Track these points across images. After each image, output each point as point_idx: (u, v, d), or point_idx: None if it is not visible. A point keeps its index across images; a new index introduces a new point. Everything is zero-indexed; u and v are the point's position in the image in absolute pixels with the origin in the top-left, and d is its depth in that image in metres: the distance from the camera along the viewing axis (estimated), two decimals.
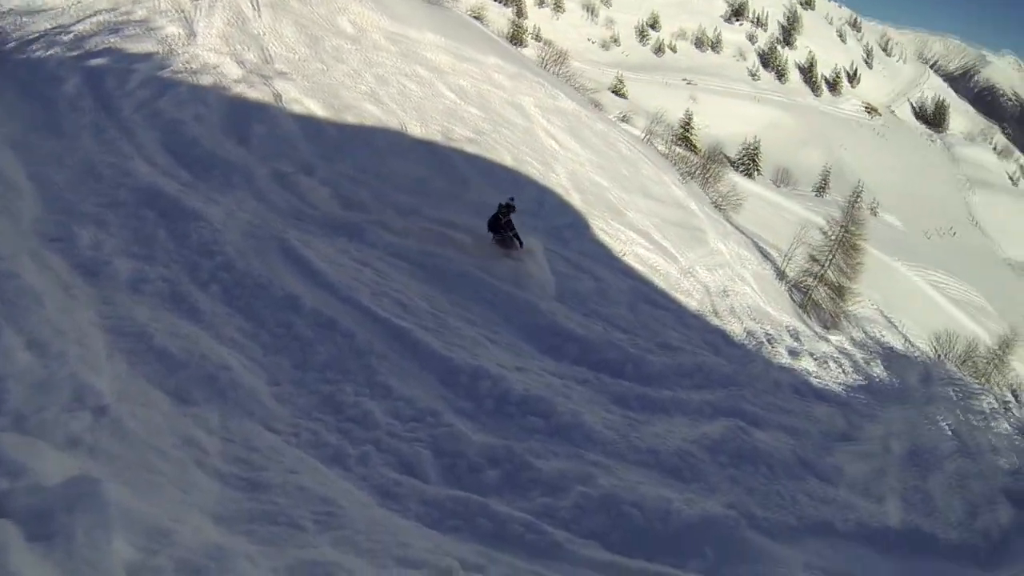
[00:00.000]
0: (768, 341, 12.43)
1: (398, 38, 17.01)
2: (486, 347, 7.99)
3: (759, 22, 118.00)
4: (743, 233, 23.82)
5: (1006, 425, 9.71)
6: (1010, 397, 14.10)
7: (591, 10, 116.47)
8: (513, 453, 5.99)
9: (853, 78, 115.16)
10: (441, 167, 12.27)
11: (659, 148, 32.89)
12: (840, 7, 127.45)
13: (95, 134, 9.10)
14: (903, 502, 6.77)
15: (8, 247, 5.78)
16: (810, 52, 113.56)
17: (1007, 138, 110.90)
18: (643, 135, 34.98)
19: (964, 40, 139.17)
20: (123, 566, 2.69)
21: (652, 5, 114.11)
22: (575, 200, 15.35)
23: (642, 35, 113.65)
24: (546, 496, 5.59)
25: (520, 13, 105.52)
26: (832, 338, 14.68)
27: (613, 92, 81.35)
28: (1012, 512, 6.87)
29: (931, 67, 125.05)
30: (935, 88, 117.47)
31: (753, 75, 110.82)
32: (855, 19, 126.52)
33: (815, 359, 11.67)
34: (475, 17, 39.53)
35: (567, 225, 13.59)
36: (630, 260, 14.41)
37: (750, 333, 12.77)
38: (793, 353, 11.81)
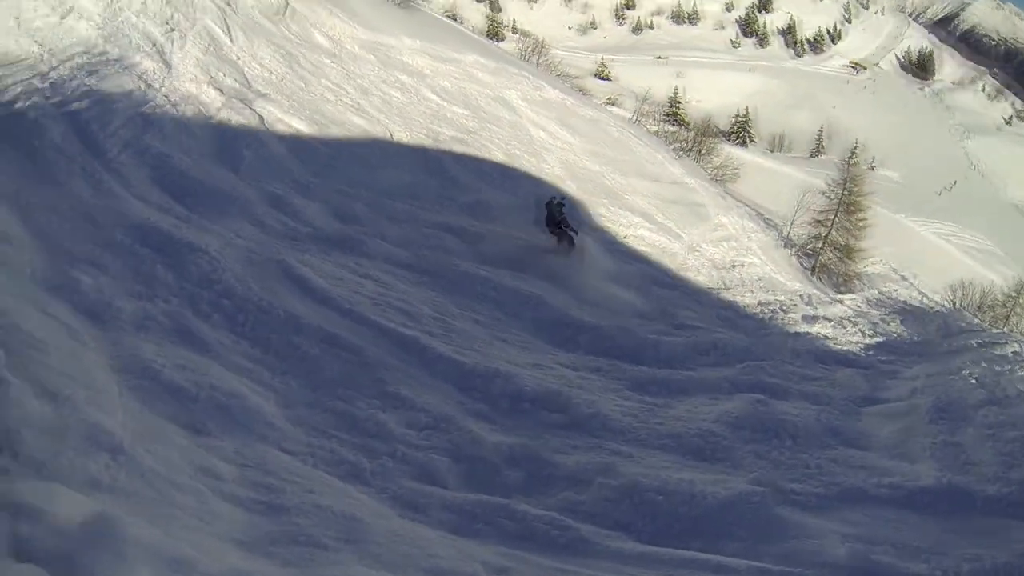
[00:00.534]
0: (782, 310, 12.39)
1: (375, 47, 17.04)
2: (496, 346, 8.00)
3: None
4: (744, 204, 23.79)
5: None
6: None
7: None
8: (531, 451, 6.01)
9: (835, 37, 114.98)
10: (432, 171, 12.32)
11: (650, 128, 32.90)
12: None
13: (85, 179, 9.08)
14: (936, 460, 6.68)
15: (10, 301, 5.82)
16: (790, 16, 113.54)
17: (996, 80, 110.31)
18: (632, 116, 34.98)
19: None
20: None
21: None
22: (571, 189, 15.37)
23: (619, 17, 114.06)
24: (568, 491, 5.60)
25: (495, 7, 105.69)
26: (846, 300, 14.58)
27: (597, 76, 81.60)
28: None
29: (911, 17, 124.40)
30: (918, 38, 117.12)
31: (735, 44, 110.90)
32: None
33: (831, 323, 11.61)
34: (450, 16, 39.60)
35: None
36: (634, 243, 14.44)
37: (763, 304, 12.75)
38: (808, 319, 11.76)
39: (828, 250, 21.06)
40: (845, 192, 21.55)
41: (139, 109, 11.13)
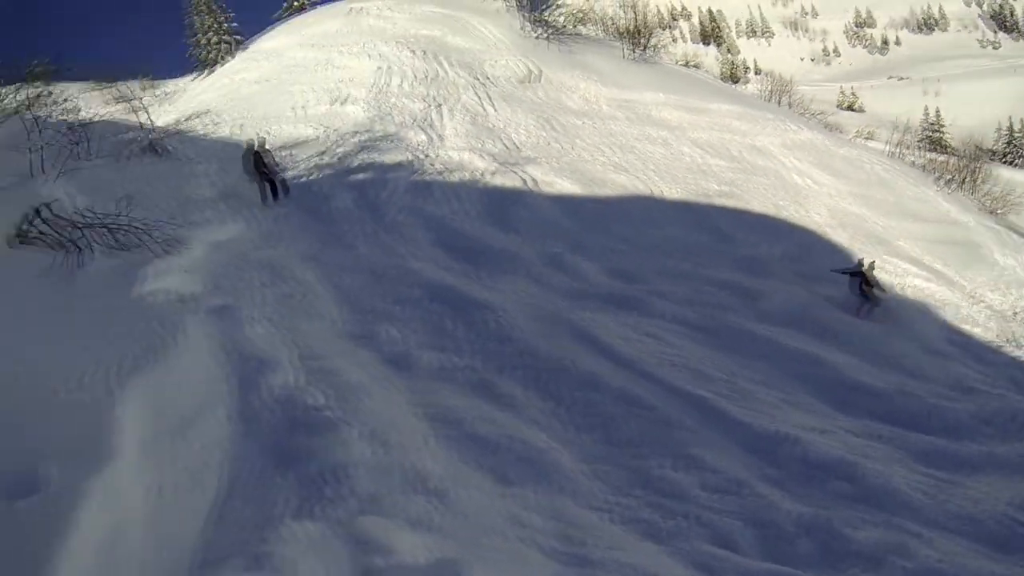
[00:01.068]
0: None
1: (624, 104, 17.93)
2: (781, 409, 8.02)
3: None
4: None
5: None
6: None
7: (797, 26, 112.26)
8: (823, 521, 5.97)
9: None
10: (700, 225, 12.66)
11: (911, 160, 30.60)
12: None
13: (373, 240, 10.72)
14: None
15: (325, 347, 7.10)
16: None
17: None
18: (890, 149, 32.74)
19: None
20: None
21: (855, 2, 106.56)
22: (840, 237, 14.86)
23: (854, 38, 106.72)
24: (861, 568, 5.53)
25: (730, 50, 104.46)
26: None
27: (847, 109, 77.19)
28: None
29: None
30: None
31: (993, 45, 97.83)
32: None
33: None
34: (692, 66, 40.06)
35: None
36: (908, 293, 13.64)
37: None
38: None
39: None
40: None
41: (413, 178, 12.82)
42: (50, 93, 15.65)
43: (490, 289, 8.89)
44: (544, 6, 22.50)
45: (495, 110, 16.19)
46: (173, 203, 11.06)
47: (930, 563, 5.41)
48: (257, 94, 19.64)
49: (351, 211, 11.86)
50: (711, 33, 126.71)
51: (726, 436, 6.92)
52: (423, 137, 14.74)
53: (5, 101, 13.30)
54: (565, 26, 21.94)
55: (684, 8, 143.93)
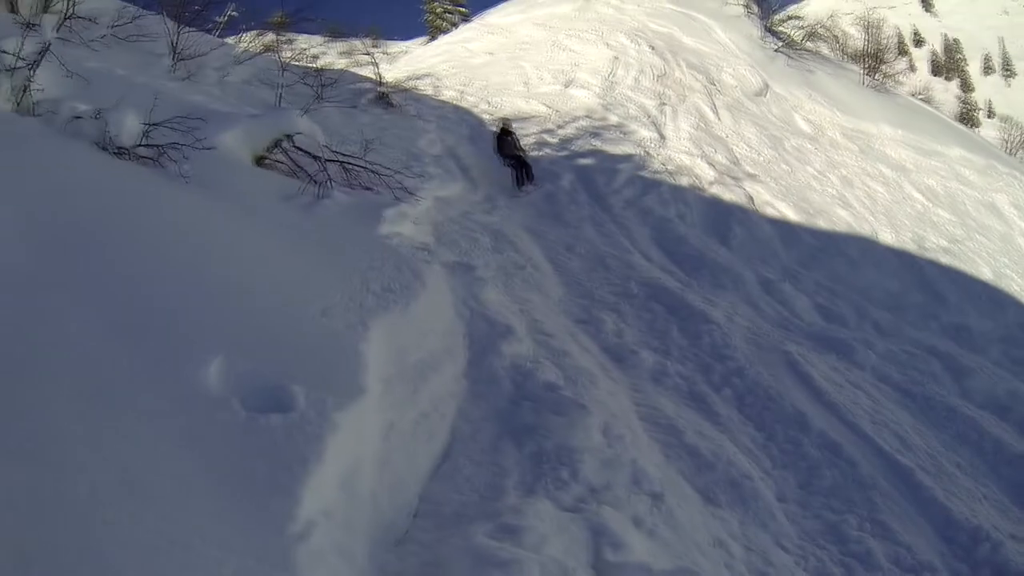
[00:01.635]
0: None
1: (854, 134, 16.89)
2: (981, 504, 7.39)
3: None
4: None
5: None
6: None
7: None
8: None
9: None
10: (915, 280, 11.72)
11: None
12: None
13: (594, 226, 10.76)
14: None
15: (552, 324, 7.15)
16: None
17: None
18: None
19: None
20: None
21: None
22: None
23: None
24: None
25: (966, 87, 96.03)
26: None
27: None
28: None
29: None
30: None
31: None
32: None
33: None
34: (923, 100, 37.22)
35: None
36: None
37: None
38: None
39: None
40: None
41: (638, 172, 12.71)
42: (289, 41, 16.98)
43: (708, 301, 8.61)
44: (774, 14, 21.64)
45: (720, 119, 15.74)
46: (401, 154, 11.54)
47: None
48: (485, 65, 20.17)
49: (575, 193, 11.96)
50: (945, 65, 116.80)
51: (922, 514, 6.33)
52: (650, 134, 14.59)
53: (251, 47, 14.43)
54: (797, 41, 20.97)
55: (917, 33, 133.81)
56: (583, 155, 13.44)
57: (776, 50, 19.65)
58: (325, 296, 4.78)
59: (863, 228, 12.56)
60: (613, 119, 15.24)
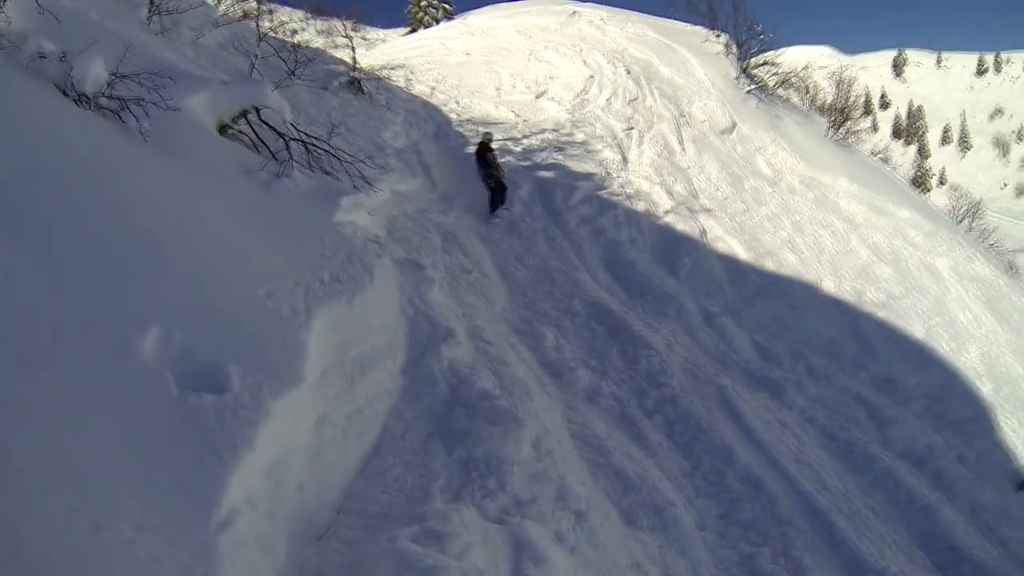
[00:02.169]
0: None
1: (812, 183, 17.35)
2: (890, 546, 7.69)
3: None
4: None
5: None
6: None
7: (1003, 147, 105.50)
8: None
9: None
10: (851, 330, 12.11)
11: None
12: None
13: (546, 240, 10.85)
14: None
15: (493, 332, 7.16)
16: None
17: None
18: None
19: None
20: None
21: None
22: (985, 389, 13.93)
23: None
24: None
25: (924, 153, 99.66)
26: None
27: None
28: None
29: None
30: None
31: None
32: None
33: None
34: (881, 160, 38.52)
35: (971, 419, 12.34)
36: None
37: None
38: None
39: None
40: None
41: (597, 192, 12.84)
42: (270, 12, 16.70)
43: (649, 327, 8.75)
44: (751, 57, 22.12)
45: (685, 151, 16.00)
46: (365, 142, 11.42)
47: None
48: (461, 64, 20.18)
49: (532, 205, 12.04)
50: (907, 129, 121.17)
51: (834, 553, 6.59)
52: (613, 155, 14.74)
53: (230, 11, 14.20)
54: (770, 85, 21.47)
55: (885, 96, 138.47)
56: (545, 167, 13.54)
57: (749, 92, 20.06)
58: (273, 278, 4.70)
59: (808, 274, 12.92)
60: (579, 136, 15.38)
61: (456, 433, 4.71)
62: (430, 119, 15.10)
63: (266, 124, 8.24)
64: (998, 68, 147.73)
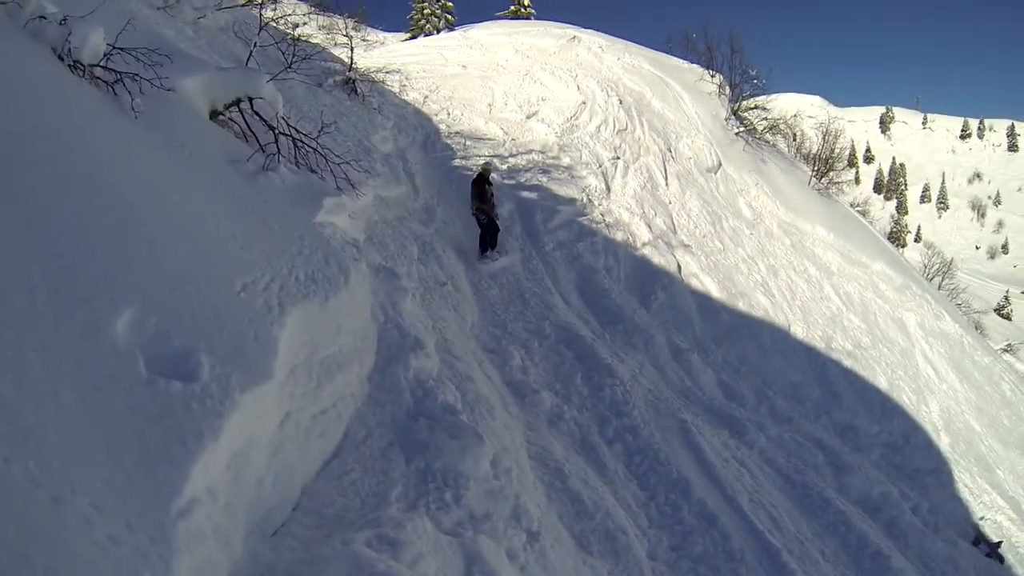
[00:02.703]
0: None
1: (791, 229, 17.71)
2: None
3: None
4: None
5: None
6: None
7: (979, 210, 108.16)
8: None
9: None
10: (816, 375, 12.35)
11: None
12: None
13: (523, 260, 10.95)
14: None
15: (461, 347, 7.23)
16: None
17: None
18: None
19: None
20: None
21: None
22: (943, 443, 14.26)
23: None
24: None
25: (902, 209, 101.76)
26: None
27: (997, 312, 73.22)
28: None
29: None
30: None
31: None
32: None
33: None
34: (860, 212, 39.32)
35: (929, 471, 12.65)
36: (989, 529, 12.94)
37: None
38: None
39: None
40: None
41: (577, 217, 12.99)
42: (274, 1, 16.72)
43: (616, 357, 8.88)
44: (742, 100, 22.52)
45: (668, 185, 16.25)
46: (353, 144, 11.44)
47: None
48: (456, 76, 20.34)
49: (512, 224, 12.14)
50: (887, 185, 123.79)
51: None
52: (597, 183, 14.93)
53: None
54: (758, 130, 21.88)
55: (869, 151, 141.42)
56: (528, 188, 13.67)
57: (737, 133, 20.44)
58: (249, 271, 4.73)
59: (779, 318, 13.16)
60: (565, 160, 15.56)
61: (417, 444, 4.76)
62: (420, 127, 15.21)
63: (258, 115, 8.24)
64: (981, 134, 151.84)
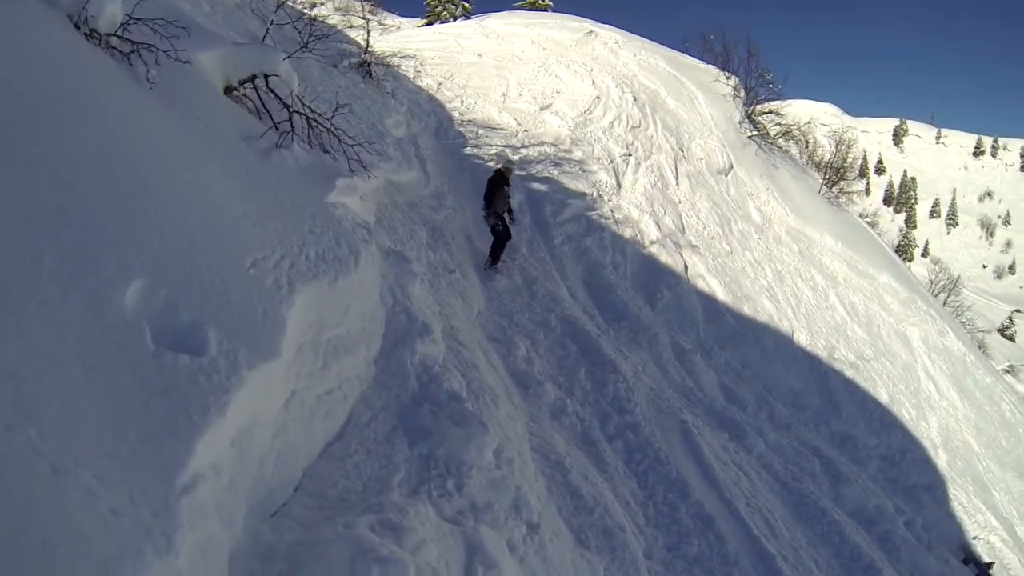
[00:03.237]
0: None
1: (799, 236, 17.63)
2: None
3: None
4: None
5: None
6: None
7: (988, 228, 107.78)
8: None
9: None
10: (818, 384, 12.32)
11: None
12: None
13: (531, 252, 10.89)
14: None
15: (467, 335, 7.20)
16: None
17: None
18: None
19: None
20: None
21: None
22: (940, 460, 14.24)
23: None
24: None
25: (911, 223, 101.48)
26: None
27: (1000, 333, 72.95)
28: None
29: None
30: None
31: None
32: None
33: None
34: (869, 224, 39.21)
35: (925, 487, 12.64)
36: (981, 549, 12.93)
37: None
38: None
39: None
40: None
41: (587, 212, 12.93)
42: None
43: (620, 353, 8.86)
44: (757, 104, 22.40)
45: (679, 185, 16.18)
46: (367, 127, 11.39)
47: None
48: (471, 65, 20.23)
49: (521, 216, 12.07)
50: (898, 198, 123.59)
51: None
52: (608, 178, 14.85)
53: None
54: (771, 135, 21.77)
55: (881, 162, 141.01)
56: (538, 180, 13.60)
57: (750, 137, 20.33)
58: (261, 247, 4.68)
59: (783, 324, 13.11)
60: (577, 154, 15.48)
61: (421, 429, 4.74)
62: (433, 114, 15.14)
63: (272, 93, 8.20)
64: (994, 152, 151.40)
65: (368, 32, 16.21)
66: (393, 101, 14.12)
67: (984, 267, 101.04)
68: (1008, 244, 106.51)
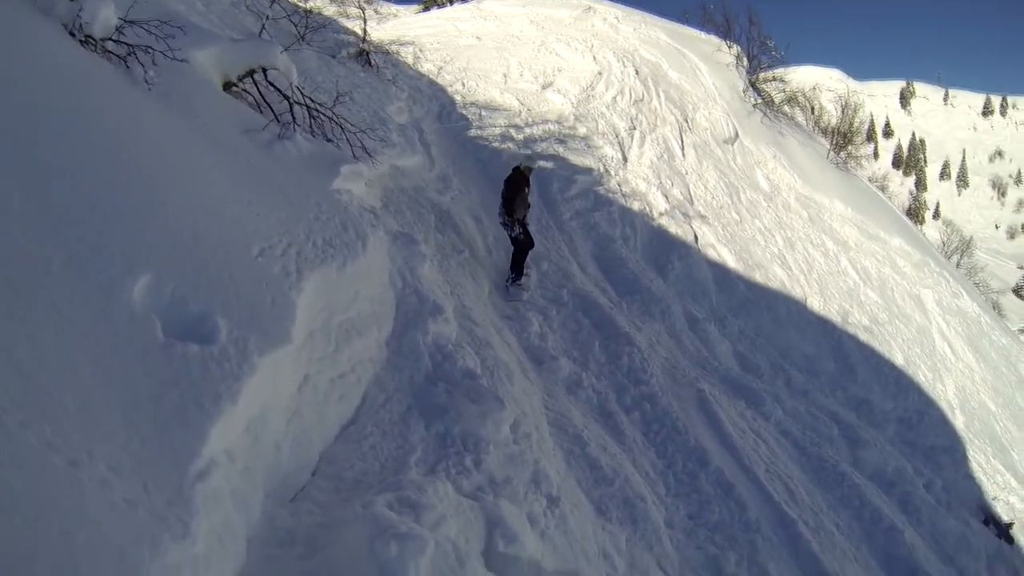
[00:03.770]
0: None
1: (808, 202, 17.49)
2: (852, 562, 7.83)
3: None
4: None
5: None
6: None
7: (999, 188, 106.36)
8: None
9: None
10: (832, 349, 12.22)
11: None
12: None
13: (540, 229, 10.82)
14: None
15: (479, 313, 7.20)
16: None
17: None
18: None
19: None
20: None
21: None
22: (958, 422, 14.14)
23: None
24: None
25: (921, 185, 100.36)
26: None
27: (1015, 293, 72.14)
28: None
29: None
30: None
31: None
32: None
33: None
34: (878, 187, 38.85)
35: (943, 448, 12.52)
36: (1001, 509, 12.87)
37: None
38: None
39: None
40: None
41: (594, 187, 12.83)
42: None
43: (634, 325, 8.80)
44: (761, 72, 22.17)
45: (685, 156, 16.04)
46: (368, 114, 11.35)
47: None
48: (470, 48, 20.06)
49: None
50: (907, 161, 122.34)
51: (797, 563, 6.73)
52: (614, 153, 14.72)
53: None
54: (776, 102, 21.55)
55: (889, 125, 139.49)
56: (544, 158, 13.48)
57: (754, 105, 20.14)
58: (267, 237, 4.68)
59: (795, 290, 13.01)
60: (581, 130, 15.35)
61: (436, 408, 4.73)
62: (434, 98, 15.05)
63: (272, 85, 8.17)
64: (1003, 111, 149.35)
65: (365, 21, 16.11)
66: (394, 88, 14.04)
67: (997, 227, 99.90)
68: (1020, 203, 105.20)
